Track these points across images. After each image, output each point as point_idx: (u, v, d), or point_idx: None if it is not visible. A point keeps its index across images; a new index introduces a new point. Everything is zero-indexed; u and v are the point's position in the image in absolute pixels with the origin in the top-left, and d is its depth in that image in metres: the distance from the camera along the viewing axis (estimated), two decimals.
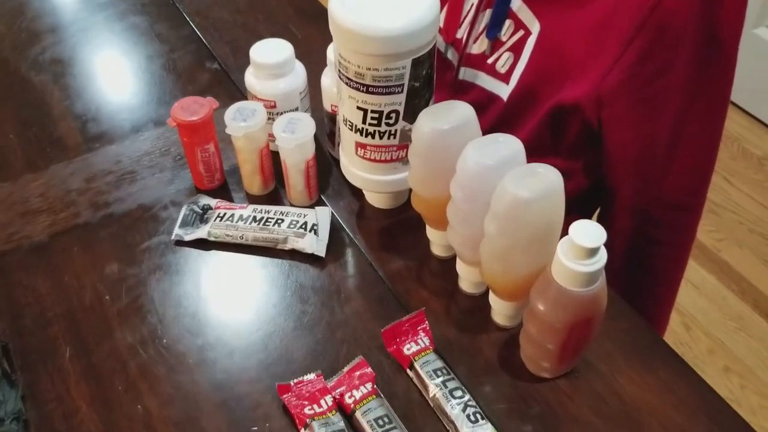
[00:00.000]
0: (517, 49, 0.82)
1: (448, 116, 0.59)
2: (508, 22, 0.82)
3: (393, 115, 0.63)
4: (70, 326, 0.65)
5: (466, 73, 0.86)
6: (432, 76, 0.64)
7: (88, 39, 0.98)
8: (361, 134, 0.65)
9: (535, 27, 0.80)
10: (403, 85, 0.61)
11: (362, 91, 0.62)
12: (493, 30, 0.83)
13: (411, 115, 0.63)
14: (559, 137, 0.80)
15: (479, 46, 0.85)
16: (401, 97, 0.62)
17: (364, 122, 0.64)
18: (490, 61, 0.84)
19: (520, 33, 0.81)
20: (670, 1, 0.68)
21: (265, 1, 1.03)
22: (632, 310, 0.67)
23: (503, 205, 0.54)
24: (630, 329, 0.65)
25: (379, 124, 0.64)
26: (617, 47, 0.73)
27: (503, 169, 0.55)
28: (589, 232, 0.51)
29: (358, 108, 0.63)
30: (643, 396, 0.60)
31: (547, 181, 0.54)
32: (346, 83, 0.63)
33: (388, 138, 0.65)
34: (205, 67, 0.92)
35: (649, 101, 0.76)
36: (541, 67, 0.80)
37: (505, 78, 0.83)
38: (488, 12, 0.83)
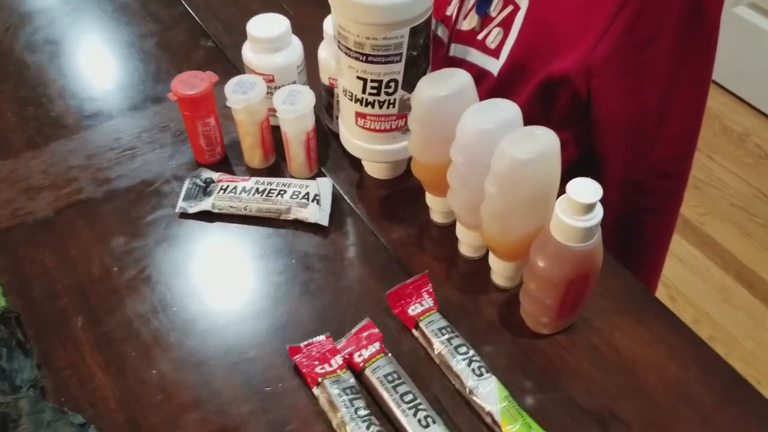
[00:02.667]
0: (506, 25, 0.83)
1: (447, 83, 0.61)
2: None
3: (392, 84, 0.65)
4: (79, 297, 0.66)
5: (456, 50, 0.88)
6: (428, 45, 0.66)
7: (80, 19, 0.98)
8: (361, 104, 0.67)
9: (523, 2, 0.82)
10: (401, 54, 0.63)
11: (362, 61, 0.63)
12: (482, 6, 0.85)
13: (409, 84, 0.65)
14: (549, 109, 0.82)
15: (469, 23, 0.87)
16: (400, 66, 0.64)
17: (363, 92, 0.66)
18: (480, 37, 0.86)
19: (509, 8, 0.83)
20: None
21: None
22: (624, 269, 0.69)
23: (502, 167, 0.56)
24: (623, 288, 0.68)
25: (378, 94, 0.66)
26: (605, 19, 0.75)
27: (501, 132, 0.57)
28: (587, 189, 0.53)
29: (358, 78, 0.65)
30: (638, 349, 0.63)
31: (543, 142, 0.56)
32: (346, 53, 0.64)
33: (388, 107, 0.67)
34: (199, 45, 0.93)
35: (636, 71, 0.78)
36: (530, 42, 0.82)
37: (495, 53, 0.84)
38: None
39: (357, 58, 0.63)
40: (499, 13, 0.84)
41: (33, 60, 0.92)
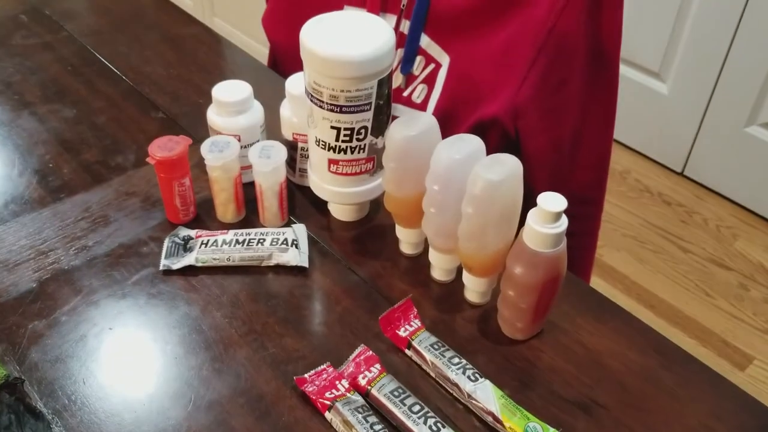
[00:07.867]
0: (430, 81, 0.94)
1: (416, 124, 0.69)
2: (419, 58, 0.94)
3: (363, 131, 0.73)
4: (78, 357, 0.68)
5: None
6: (390, 94, 0.74)
7: (25, 100, 1.00)
8: (335, 151, 0.74)
9: (444, 60, 0.92)
10: (371, 103, 0.71)
11: (336, 112, 0.71)
12: (406, 66, 0.95)
13: (377, 129, 0.73)
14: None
15: (394, 81, 0.97)
16: (369, 114, 0.72)
17: (337, 140, 0.73)
18: (405, 93, 0.96)
19: (432, 66, 0.94)
20: (563, 24, 0.83)
21: (193, 55, 1.10)
22: (577, 278, 0.79)
23: (478, 188, 0.64)
24: (579, 293, 0.77)
25: (350, 140, 0.73)
26: (523, 67, 0.86)
27: (470, 161, 0.66)
28: (554, 200, 0.62)
29: (332, 127, 0.72)
30: (601, 342, 0.72)
31: (510, 165, 0.65)
32: (320, 106, 0.71)
33: (358, 152, 0.74)
34: (151, 116, 0.97)
35: (554, 110, 0.90)
36: (454, 94, 0.92)
37: (421, 107, 0.94)
38: (400, 51, 0.95)
39: (332, 110, 0.71)
40: (422, 71, 0.94)
41: None
